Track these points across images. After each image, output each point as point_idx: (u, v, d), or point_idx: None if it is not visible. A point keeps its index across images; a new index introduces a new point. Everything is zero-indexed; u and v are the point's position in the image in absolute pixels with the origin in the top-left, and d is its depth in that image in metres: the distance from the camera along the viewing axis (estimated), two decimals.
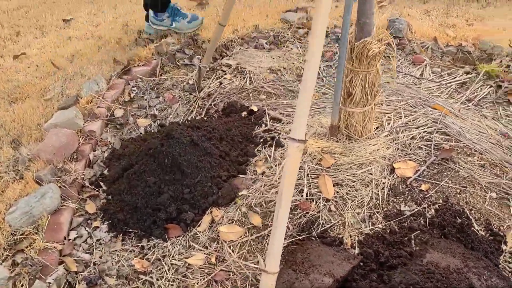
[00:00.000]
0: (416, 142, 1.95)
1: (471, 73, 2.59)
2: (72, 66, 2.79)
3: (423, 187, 1.74)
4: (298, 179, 1.77)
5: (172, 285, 1.49)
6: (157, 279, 1.50)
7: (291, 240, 1.59)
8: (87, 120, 2.17)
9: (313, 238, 1.60)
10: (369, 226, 1.62)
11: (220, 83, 2.52)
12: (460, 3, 3.71)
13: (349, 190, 1.73)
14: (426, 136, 1.99)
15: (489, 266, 1.32)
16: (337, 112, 1.81)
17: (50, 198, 1.68)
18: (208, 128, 1.96)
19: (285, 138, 1.99)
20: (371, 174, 1.77)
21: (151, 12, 2.96)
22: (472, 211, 1.66)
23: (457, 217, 1.63)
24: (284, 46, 2.92)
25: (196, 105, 2.34)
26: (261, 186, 1.78)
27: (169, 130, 1.79)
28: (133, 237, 1.66)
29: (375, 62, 1.64)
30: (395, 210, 1.67)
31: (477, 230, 1.59)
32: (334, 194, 1.70)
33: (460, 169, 1.83)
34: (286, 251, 1.56)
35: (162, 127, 2.19)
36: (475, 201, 1.71)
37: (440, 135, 2.00)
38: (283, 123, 2.11)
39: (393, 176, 1.78)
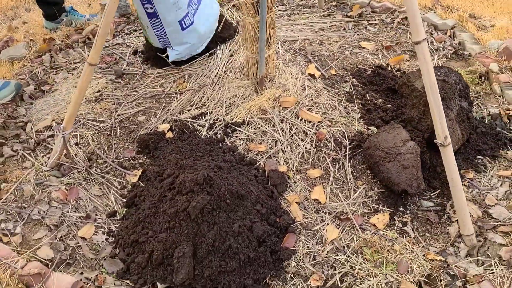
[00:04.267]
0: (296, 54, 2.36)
1: None
2: None
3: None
4: (289, 128, 1.91)
5: None
6: None
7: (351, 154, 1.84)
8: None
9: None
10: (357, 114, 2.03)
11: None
12: None
13: (320, 106, 2.02)
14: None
15: None
16: (263, 64, 1.95)
17: None
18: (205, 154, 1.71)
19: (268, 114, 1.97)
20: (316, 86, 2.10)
21: None
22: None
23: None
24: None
25: (104, 173, 1.85)
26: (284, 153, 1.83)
27: (202, 175, 1.50)
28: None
29: (273, 6, 1.87)
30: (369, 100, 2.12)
31: None
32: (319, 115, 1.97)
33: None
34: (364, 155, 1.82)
35: (113, 216, 1.69)
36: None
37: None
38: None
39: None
